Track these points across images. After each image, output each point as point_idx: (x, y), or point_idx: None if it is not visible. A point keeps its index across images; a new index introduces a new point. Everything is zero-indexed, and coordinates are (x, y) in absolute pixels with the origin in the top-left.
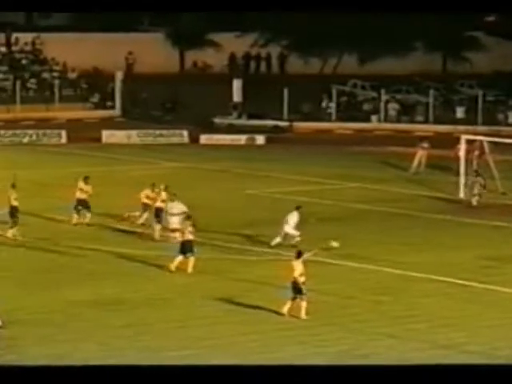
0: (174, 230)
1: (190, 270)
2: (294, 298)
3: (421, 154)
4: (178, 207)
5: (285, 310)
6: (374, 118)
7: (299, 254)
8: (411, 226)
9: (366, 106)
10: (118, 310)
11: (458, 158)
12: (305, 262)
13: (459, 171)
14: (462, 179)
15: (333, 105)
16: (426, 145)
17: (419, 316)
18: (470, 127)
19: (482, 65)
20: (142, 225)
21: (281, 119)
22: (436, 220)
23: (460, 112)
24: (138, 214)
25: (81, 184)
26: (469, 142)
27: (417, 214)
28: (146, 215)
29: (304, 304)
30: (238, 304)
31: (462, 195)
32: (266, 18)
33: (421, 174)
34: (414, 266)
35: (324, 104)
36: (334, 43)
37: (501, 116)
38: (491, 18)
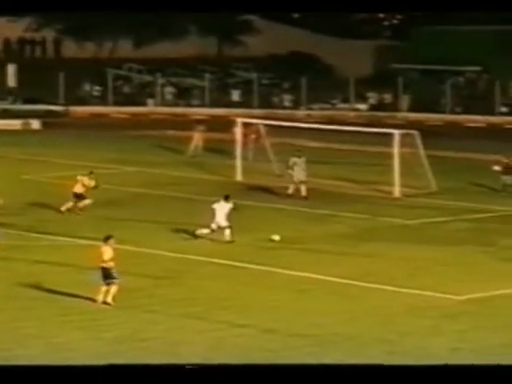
0: None
1: None
2: (108, 284)
3: (197, 137)
4: None
5: (100, 297)
6: (150, 101)
7: (107, 239)
8: (190, 209)
9: (142, 90)
10: None
11: (233, 141)
12: (114, 247)
13: (236, 154)
14: (239, 162)
15: (98, 88)
16: (202, 128)
17: (198, 299)
18: (245, 110)
19: (256, 48)
20: None
21: (56, 104)
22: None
23: (235, 95)
24: None
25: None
26: (245, 125)
27: (195, 198)
28: None
29: (113, 289)
30: (22, 290)
31: (239, 178)
32: (39, 2)
33: (198, 157)
34: (195, 249)
35: (95, 88)
36: (109, 27)
37: (276, 99)
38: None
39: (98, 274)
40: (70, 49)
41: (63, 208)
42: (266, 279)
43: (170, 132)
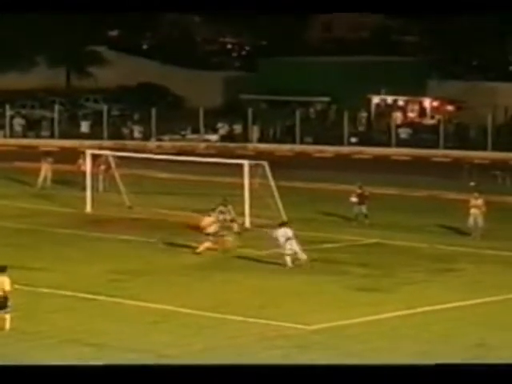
0: None
1: None
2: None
3: (46, 169)
4: None
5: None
6: None
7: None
8: (39, 241)
9: None
10: None
11: (82, 173)
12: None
13: (85, 186)
14: (89, 193)
15: None
16: (50, 159)
17: (48, 332)
18: (95, 141)
19: (106, 79)
20: None
21: None
22: (63, 234)
23: (85, 126)
24: None
25: None
26: (94, 156)
27: (44, 229)
28: None
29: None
30: None
31: (88, 209)
32: None
33: (47, 189)
34: (43, 281)
35: None
36: None
37: (126, 130)
38: (114, 33)
39: None
40: None
41: None
42: (116, 311)
43: (18, 163)
